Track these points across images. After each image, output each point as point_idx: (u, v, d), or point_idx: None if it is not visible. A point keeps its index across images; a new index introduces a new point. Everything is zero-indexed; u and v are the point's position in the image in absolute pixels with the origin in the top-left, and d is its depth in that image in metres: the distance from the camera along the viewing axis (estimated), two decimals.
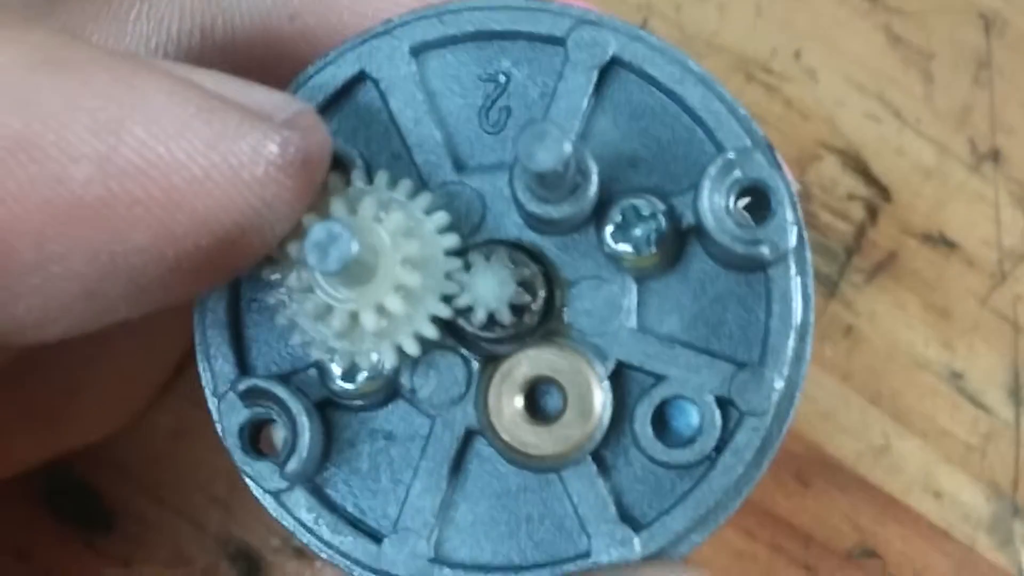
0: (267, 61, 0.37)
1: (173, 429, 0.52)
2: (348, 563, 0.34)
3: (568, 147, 0.30)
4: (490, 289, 0.33)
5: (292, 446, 0.33)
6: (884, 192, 0.54)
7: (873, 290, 0.53)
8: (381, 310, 0.32)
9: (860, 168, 0.54)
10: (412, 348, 0.32)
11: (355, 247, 0.30)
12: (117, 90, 0.30)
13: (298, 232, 0.32)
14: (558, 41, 0.34)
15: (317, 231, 0.30)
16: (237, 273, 0.34)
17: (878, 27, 0.55)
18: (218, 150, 0.30)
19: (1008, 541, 0.52)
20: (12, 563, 0.52)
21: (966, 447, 0.52)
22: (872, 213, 0.54)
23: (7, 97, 0.29)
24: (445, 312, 0.32)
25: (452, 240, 0.33)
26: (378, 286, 0.32)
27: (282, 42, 0.37)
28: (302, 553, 0.51)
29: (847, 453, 0.52)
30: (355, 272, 0.31)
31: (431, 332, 0.32)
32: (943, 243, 0.53)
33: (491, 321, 0.33)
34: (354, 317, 0.32)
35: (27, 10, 0.36)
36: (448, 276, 0.33)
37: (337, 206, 0.32)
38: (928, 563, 0.52)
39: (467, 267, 0.33)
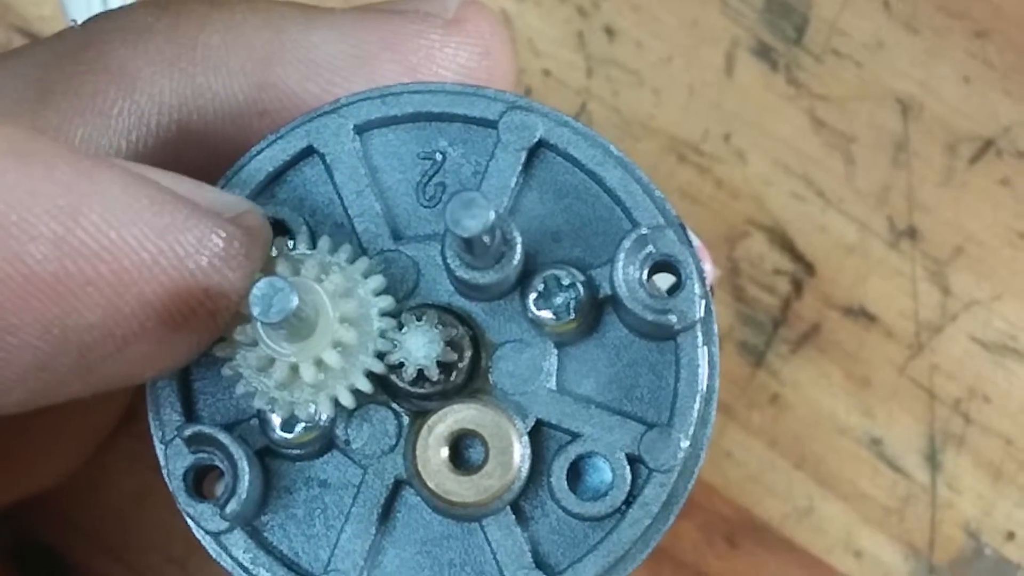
0: (238, 151, 0.38)
1: (135, 492, 0.54)
2: None
3: (492, 215, 0.32)
4: (420, 347, 0.34)
5: (232, 489, 0.35)
6: (808, 267, 0.56)
7: (798, 360, 0.55)
8: (319, 363, 0.33)
9: (786, 245, 0.56)
10: (347, 400, 0.34)
11: (295, 300, 0.31)
12: (76, 180, 0.31)
13: None
14: (491, 124, 0.36)
15: (261, 285, 0.31)
16: (182, 357, 0.35)
17: (803, 112, 0.57)
18: (166, 239, 0.32)
19: None
20: None
21: (885, 509, 0.54)
22: (797, 287, 0.55)
23: None
24: (378, 367, 0.34)
25: (387, 302, 0.34)
26: (317, 341, 0.33)
27: (252, 135, 0.39)
28: None
29: (774, 515, 0.54)
30: (296, 327, 0.33)
31: (365, 386, 0.34)
32: (863, 316, 0.55)
33: (420, 377, 0.34)
34: (294, 369, 0.33)
35: (18, 105, 0.37)
36: (382, 334, 0.34)
37: (282, 267, 0.34)
38: None
39: (400, 327, 0.34)
